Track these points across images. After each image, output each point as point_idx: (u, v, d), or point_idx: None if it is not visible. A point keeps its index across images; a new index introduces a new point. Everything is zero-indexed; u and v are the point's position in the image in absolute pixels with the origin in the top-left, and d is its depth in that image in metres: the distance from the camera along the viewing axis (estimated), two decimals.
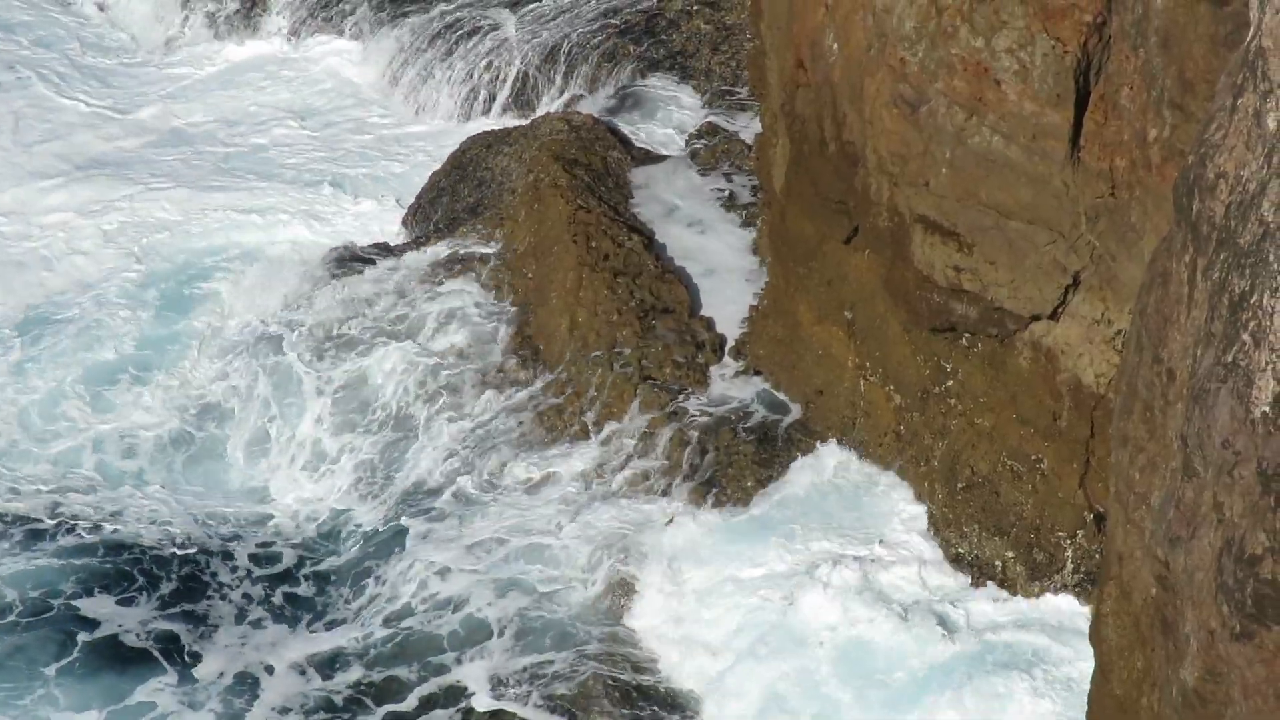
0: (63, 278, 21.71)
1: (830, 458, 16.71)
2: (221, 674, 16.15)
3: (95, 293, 21.18)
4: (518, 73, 23.42)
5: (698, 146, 20.62)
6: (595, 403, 17.49)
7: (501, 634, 15.93)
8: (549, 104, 22.98)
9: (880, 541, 15.91)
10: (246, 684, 16.07)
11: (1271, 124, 9.70)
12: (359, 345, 18.88)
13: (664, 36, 23.23)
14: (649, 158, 20.62)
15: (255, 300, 20.08)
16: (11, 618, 16.57)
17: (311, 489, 18.15)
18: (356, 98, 24.93)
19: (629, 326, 17.89)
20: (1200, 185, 10.16)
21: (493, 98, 23.47)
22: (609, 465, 17.11)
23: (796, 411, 17.23)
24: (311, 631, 16.59)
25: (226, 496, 18.34)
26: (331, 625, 16.65)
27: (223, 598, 16.97)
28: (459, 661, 15.92)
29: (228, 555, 17.40)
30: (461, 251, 19.45)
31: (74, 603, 16.76)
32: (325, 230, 22.06)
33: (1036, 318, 14.73)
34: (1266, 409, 9.34)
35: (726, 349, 17.95)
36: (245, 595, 17.00)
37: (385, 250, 20.16)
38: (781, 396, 17.40)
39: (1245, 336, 9.51)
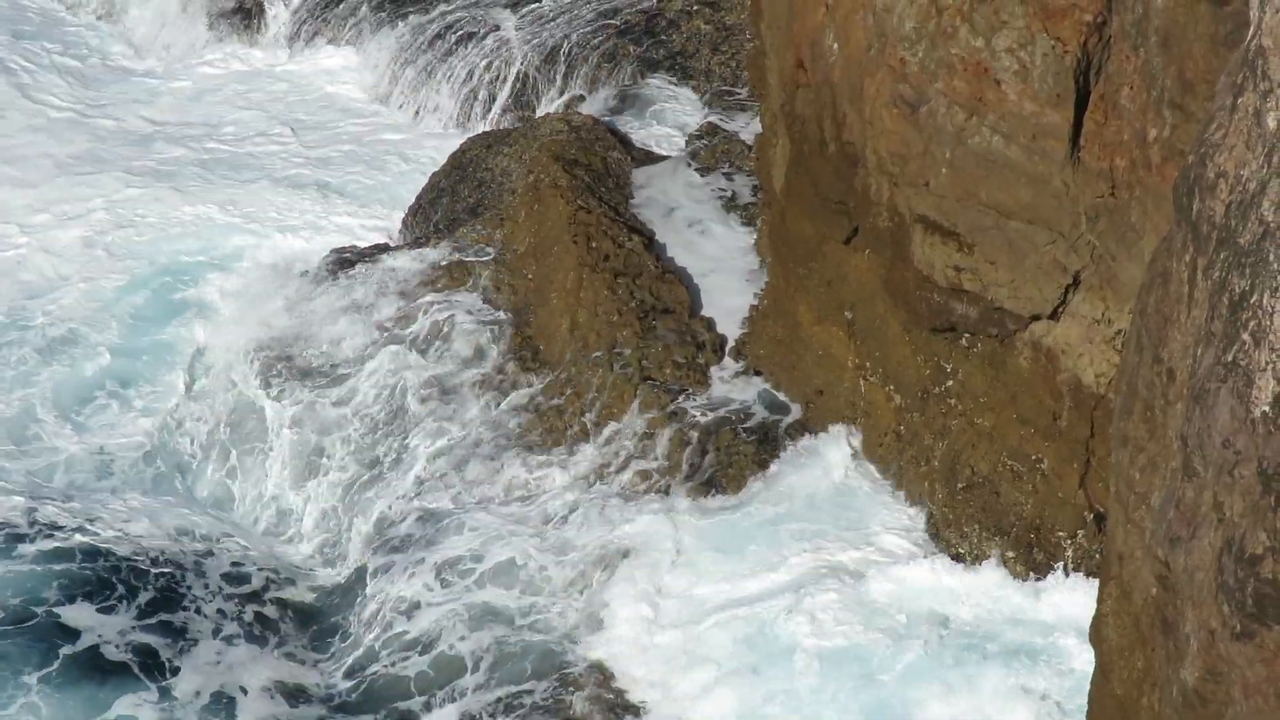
0: (40, 281, 21.46)
1: (830, 458, 16.69)
2: (198, 693, 16.08)
3: (76, 298, 20.98)
4: (517, 73, 23.42)
5: (698, 147, 20.62)
6: (595, 403, 17.48)
7: (476, 668, 15.74)
8: (549, 105, 22.98)
9: (879, 542, 15.90)
10: (223, 703, 16.04)
11: (1272, 123, 9.69)
12: (356, 348, 18.87)
13: (664, 37, 23.23)
14: (649, 158, 20.62)
15: (255, 308, 20.03)
16: None
17: (297, 501, 18.12)
18: (355, 100, 24.90)
19: (629, 327, 17.88)
20: (1200, 185, 10.15)
21: (493, 98, 23.47)
22: (609, 466, 17.10)
23: (797, 412, 17.23)
24: (283, 655, 16.53)
25: (202, 507, 18.26)
26: (301, 652, 16.58)
27: (198, 610, 16.89)
28: (428, 708, 15.70)
29: (200, 572, 17.32)
30: (461, 252, 19.45)
31: (56, 610, 16.68)
32: (316, 235, 21.99)
33: (1036, 318, 14.73)
34: (1267, 408, 9.34)
35: (727, 349, 17.95)
36: (220, 611, 16.93)
37: (385, 251, 20.15)
38: (782, 397, 17.39)
39: (1245, 336, 9.51)
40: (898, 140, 14.88)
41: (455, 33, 24.38)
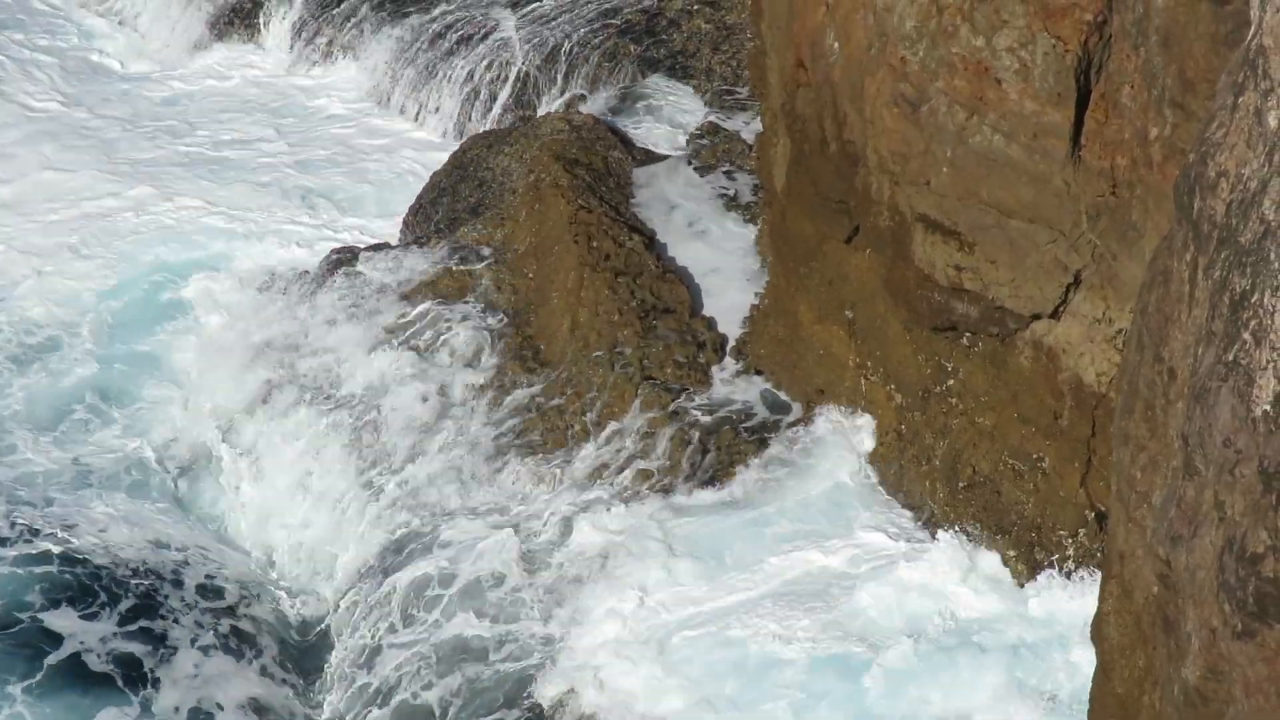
0: (14, 283, 21.19)
1: (831, 457, 16.69)
2: (177, 708, 16.05)
3: (56, 301, 20.72)
4: (518, 73, 23.41)
5: (699, 146, 20.61)
6: (596, 403, 17.48)
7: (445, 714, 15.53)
8: (550, 104, 22.98)
9: (880, 541, 15.89)
10: (200, 718, 16.07)
11: (1272, 122, 9.69)
12: (354, 349, 18.84)
13: (664, 36, 23.22)
14: (650, 157, 20.62)
15: (257, 311, 19.99)
16: None
17: (295, 512, 18.07)
18: (356, 101, 24.85)
19: (630, 326, 17.88)
20: (1201, 184, 10.16)
21: (493, 98, 23.47)
22: (610, 466, 17.10)
23: (798, 411, 17.22)
24: (259, 671, 16.49)
25: (183, 517, 18.17)
26: (274, 668, 16.54)
27: (175, 621, 16.83)
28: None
29: (178, 582, 17.26)
30: (462, 252, 19.44)
31: (40, 615, 16.61)
32: (302, 239, 21.90)
33: (1037, 317, 14.73)
34: (1267, 408, 9.34)
35: (727, 349, 17.95)
36: (197, 623, 16.87)
37: (386, 251, 20.14)
38: (783, 396, 17.39)
39: (1246, 335, 9.51)
40: (898, 139, 14.88)
41: (456, 33, 24.37)
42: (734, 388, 17.55)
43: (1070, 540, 14.99)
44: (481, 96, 23.59)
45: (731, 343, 17.98)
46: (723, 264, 18.84)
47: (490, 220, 19.81)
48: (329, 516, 17.95)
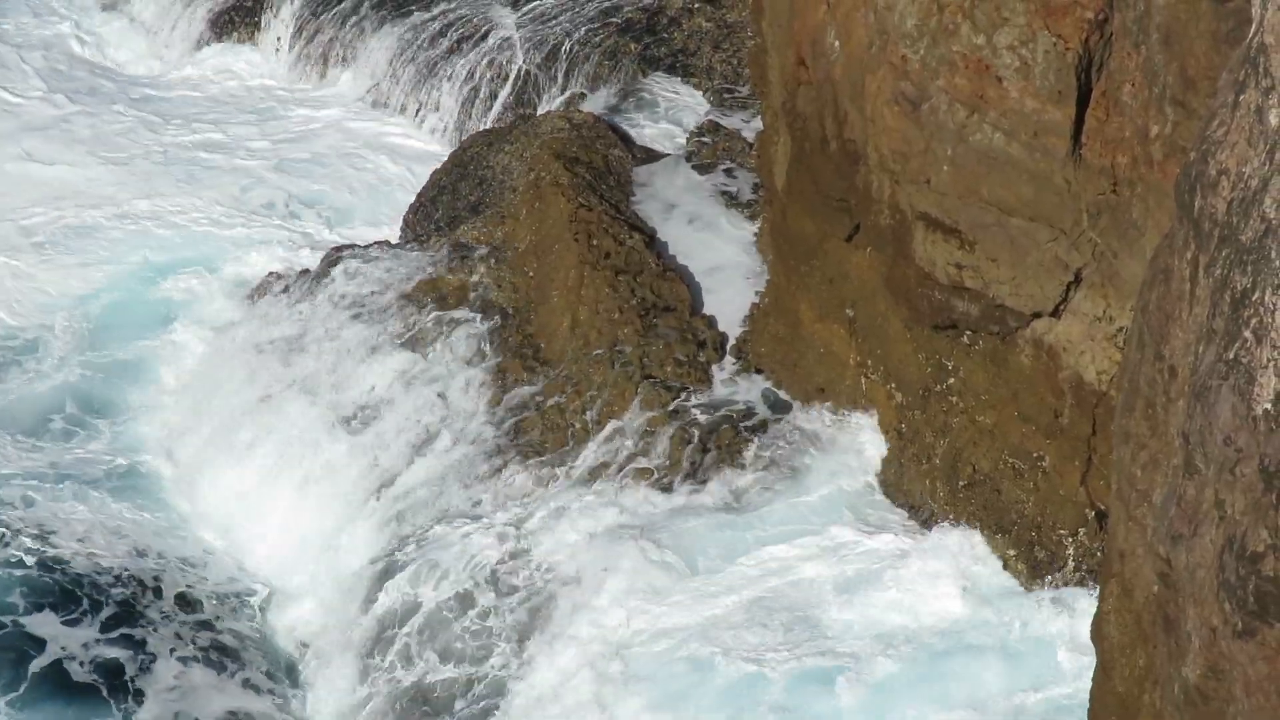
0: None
1: (831, 456, 16.68)
2: None
3: (40, 304, 20.47)
4: (519, 71, 23.40)
5: (699, 144, 20.60)
6: (596, 401, 17.47)
7: None
8: (550, 103, 22.96)
9: (880, 541, 15.88)
10: None
11: (1273, 120, 9.68)
12: (354, 347, 18.81)
13: (665, 34, 23.20)
14: (650, 156, 20.60)
15: (252, 311, 19.90)
16: None
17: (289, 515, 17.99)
18: (354, 101, 24.79)
19: (630, 325, 17.87)
20: (1202, 182, 10.15)
21: (493, 97, 23.45)
22: (610, 464, 17.08)
23: (798, 410, 17.21)
24: (241, 683, 16.45)
25: (167, 523, 18.06)
26: (259, 679, 16.49)
27: (155, 631, 16.77)
28: None
29: (158, 591, 17.18)
30: (462, 250, 19.43)
31: (22, 620, 16.55)
32: (303, 239, 21.83)
33: (1038, 315, 14.72)
34: (1268, 406, 9.33)
35: (728, 347, 17.94)
36: (176, 635, 16.82)
37: (386, 249, 20.13)
38: (783, 395, 17.38)
39: (1247, 333, 9.50)
40: (899, 138, 14.88)
41: (456, 31, 24.36)
42: (734, 386, 17.54)
43: (1070, 539, 14.99)
44: (482, 95, 23.57)
45: (732, 341, 17.97)
46: (723, 262, 18.83)
47: (490, 218, 19.79)
48: (328, 517, 17.91)
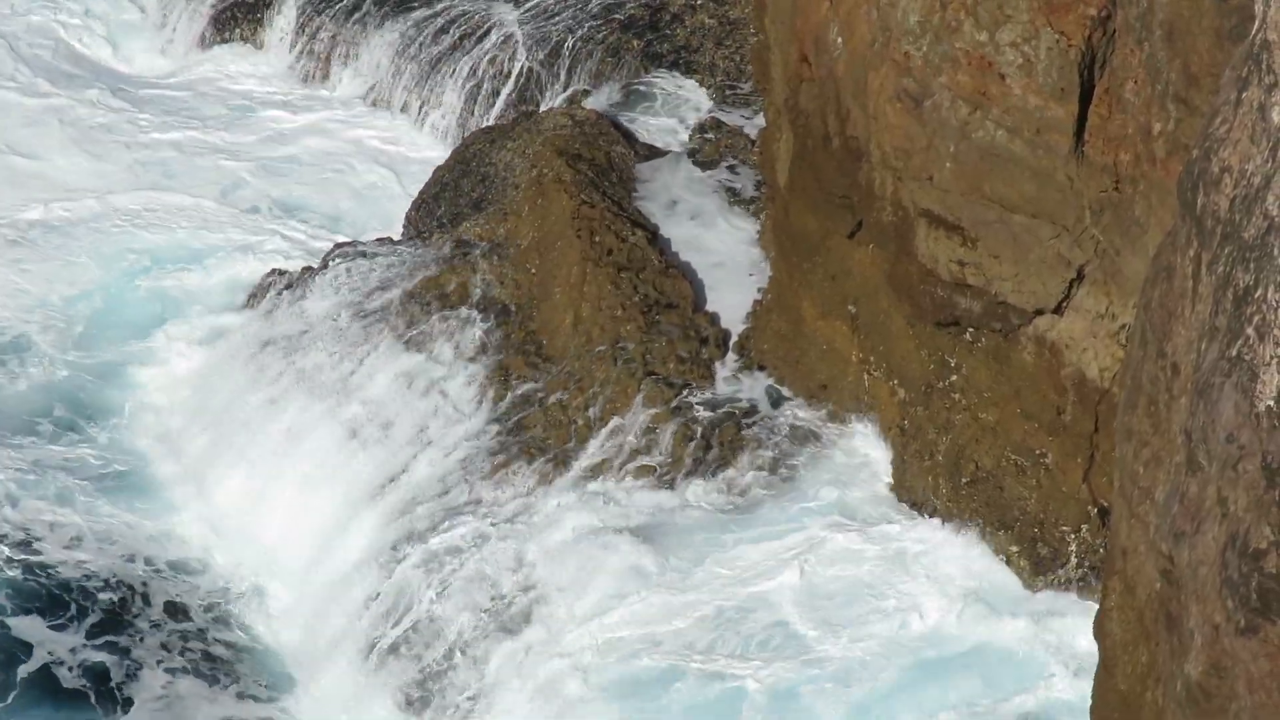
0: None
1: (833, 453, 16.68)
2: None
3: (26, 304, 20.25)
4: (521, 68, 23.40)
5: (701, 141, 20.60)
6: (599, 398, 17.47)
7: None
8: (552, 100, 22.97)
9: (881, 540, 15.88)
10: None
11: (1276, 118, 9.68)
12: (354, 345, 18.80)
13: (668, 31, 23.20)
14: (653, 152, 20.60)
15: (252, 310, 19.88)
16: None
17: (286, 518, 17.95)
18: (353, 102, 24.77)
19: (633, 321, 17.87)
20: (1205, 179, 10.15)
21: (496, 94, 23.46)
22: (612, 461, 17.08)
23: (800, 406, 17.21)
24: (235, 693, 16.42)
25: (157, 527, 17.99)
26: (254, 689, 16.45)
27: (141, 640, 16.70)
28: None
29: (148, 598, 17.11)
30: (465, 247, 19.43)
31: (8, 622, 16.49)
32: (301, 238, 21.76)
33: (1040, 312, 14.72)
34: (1271, 403, 9.33)
35: (730, 344, 17.93)
36: (163, 645, 16.76)
37: (388, 246, 20.13)
38: (785, 392, 17.38)
39: (1249, 331, 9.50)
40: (901, 134, 14.87)
41: (458, 28, 24.36)
42: (737, 383, 17.54)
43: (1073, 536, 14.99)
44: (484, 92, 23.57)
45: (734, 338, 17.96)
46: (725, 259, 18.82)
47: (493, 215, 19.78)
48: (329, 515, 17.89)
